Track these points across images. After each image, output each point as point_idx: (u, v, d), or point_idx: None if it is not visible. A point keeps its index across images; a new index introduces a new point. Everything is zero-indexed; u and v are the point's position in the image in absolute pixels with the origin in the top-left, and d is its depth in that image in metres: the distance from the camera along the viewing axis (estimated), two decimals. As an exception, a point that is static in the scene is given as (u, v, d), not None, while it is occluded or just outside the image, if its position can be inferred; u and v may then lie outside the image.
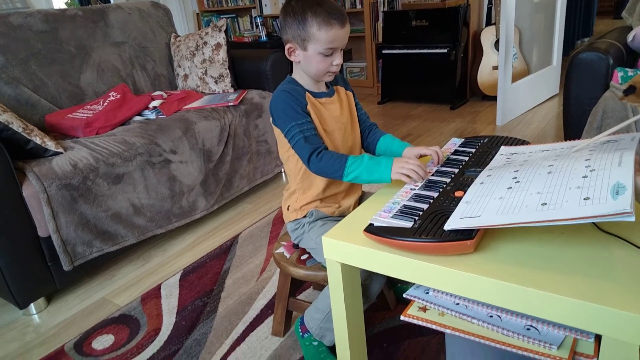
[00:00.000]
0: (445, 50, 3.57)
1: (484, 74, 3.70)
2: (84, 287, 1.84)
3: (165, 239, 2.14)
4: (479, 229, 0.75)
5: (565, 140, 1.00)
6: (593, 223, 0.79)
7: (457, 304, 0.82)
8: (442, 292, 0.84)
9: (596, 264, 0.70)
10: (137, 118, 2.18)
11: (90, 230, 1.74)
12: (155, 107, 2.22)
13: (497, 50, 3.48)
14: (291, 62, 1.18)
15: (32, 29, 2.19)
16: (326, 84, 1.22)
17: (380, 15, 4.01)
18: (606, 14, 7.16)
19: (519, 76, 3.41)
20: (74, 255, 1.70)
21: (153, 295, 1.73)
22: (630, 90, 0.86)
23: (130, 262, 1.98)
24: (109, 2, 4.83)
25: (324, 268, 1.20)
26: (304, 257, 1.27)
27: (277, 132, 1.18)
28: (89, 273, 1.91)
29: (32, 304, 1.69)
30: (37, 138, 1.69)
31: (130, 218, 1.87)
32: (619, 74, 1.82)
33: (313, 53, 1.10)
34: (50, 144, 1.72)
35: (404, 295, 0.87)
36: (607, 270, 0.69)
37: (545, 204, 0.70)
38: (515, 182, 0.81)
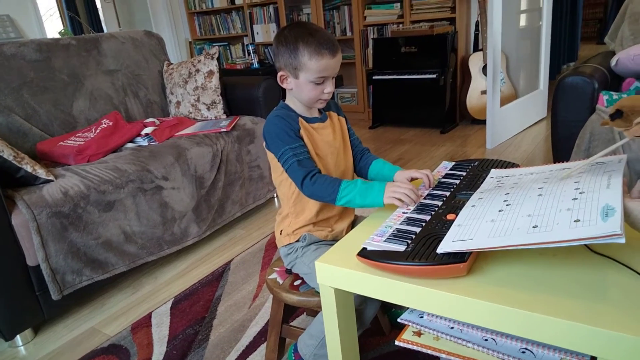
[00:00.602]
0: (434, 76, 3.63)
1: (472, 99, 3.76)
2: (73, 317, 1.80)
3: (157, 266, 2.11)
4: (471, 252, 0.75)
5: (555, 162, 1.02)
6: (585, 245, 0.80)
7: (452, 327, 0.82)
8: (437, 316, 0.83)
9: (589, 286, 0.70)
10: (129, 145, 2.18)
11: (80, 259, 1.72)
12: (147, 134, 2.22)
13: (485, 75, 3.55)
14: (284, 89, 1.20)
15: (25, 58, 2.20)
16: (319, 109, 1.24)
17: (370, 42, 4.09)
18: (590, 39, 7.35)
19: (507, 100, 3.47)
20: (63, 284, 1.68)
21: (143, 324, 1.69)
22: (617, 115, 0.87)
23: (121, 291, 1.95)
24: (103, 31, 4.89)
25: (317, 293, 1.19)
26: (297, 282, 1.26)
27: (270, 156, 1.18)
28: (79, 302, 1.87)
29: (18, 336, 1.65)
30: (28, 166, 1.68)
31: (121, 245, 1.85)
32: (604, 97, 1.87)
33: (304, 81, 1.11)
34: (41, 172, 1.71)
35: (398, 320, 0.86)
36: (600, 291, 0.69)
37: (537, 226, 0.71)
38: (507, 205, 0.82)
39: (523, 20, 3.58)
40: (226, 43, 5.15)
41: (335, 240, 1.21)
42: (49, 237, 1.61)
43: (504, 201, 0.84)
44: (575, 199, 0.75)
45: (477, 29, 3.80)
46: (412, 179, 1.14)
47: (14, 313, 1.59)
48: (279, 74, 1.16)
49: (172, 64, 2.75)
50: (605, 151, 0.83)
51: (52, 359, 1.58)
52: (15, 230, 1.56)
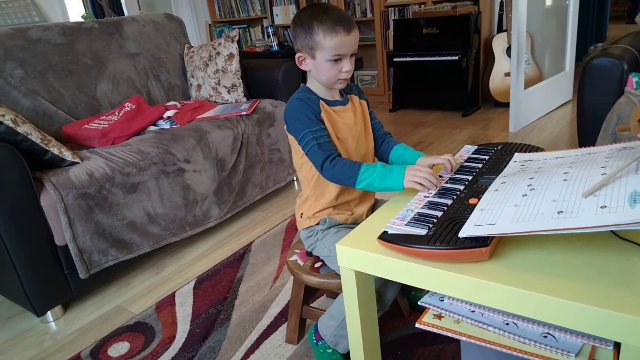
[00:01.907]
0: (456, 58, 3.57)
1: (495, 81, 3.68)
2: (100, 295, 1.86)
3: (179, 247, 2.15)
4: (493, 236, 0.74)
5: (580, 146, 1.00)
6: (610, 230, 0.79)
7: (473, 311, 0.82)
8: (457, 300, 0.83)
9: (614, 271, 0.69)
10: (152, 128, 2.21)
11: (106, 239, 1.76)
12: (169, 117, 2.25)
13: (509, 56, 3.47)
14: (305, 72, 1.20)
15: (50, 42, 2.24)
16: (340, 92, 1.23)
17: (391, 23, 4.02)
18: (619, 19, 7.10)
19: (531, 82, 3.39)
20: (90, 263, 1.73)
21: (167, 303, 1.74)
22: None
23: (145, 270, 2.00)
24: (124, 14, 4.92)
25: (337, 275, 1.21)
26: (317, 264, 1.28)
27: (291, 139, 1.19)
28: (105, 281, 1.93)
29: (49, 312, 1.71)
30: (55, 148, 1.72)
31: (145, 227, 1.89)
32: (633, 79, 1.81)
33: (321, 61, 1.11)
34: (67, 154, 1.75)
35: (419, 303, 0.87)
36: (625, 277, 0.68)
37: (562, 211, 0.70)
38: (530, 190, 0.81)
39: (549, 0, 3.48)
40: (245, 25, 5.13)
41: (355, 223, 1.22)
42: (76, 218, 1.66)
43: (528, 186, 0.83)
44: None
45: (501, 9, 3.71)
46: (434, 166, 1.13)
47: (45, 290, 1.65)
48: (297, 55, 1.16)
49: (192, 47, 2.76)
50: (627, 163, 0.77)
51: (81, 334, 1.64)
52: (44, 211, 1.61)
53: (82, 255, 1.69)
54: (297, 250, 1.37)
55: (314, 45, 1.10)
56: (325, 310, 1.30)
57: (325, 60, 1.11)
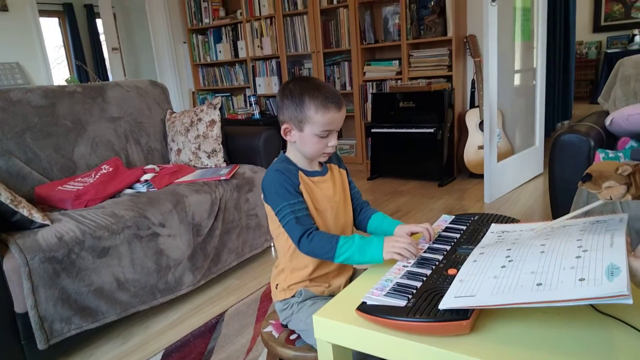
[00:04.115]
0: (432, 130, 3.70)
1: (470, 153, 3.81)
2: (58, 368, 1.73)
3: (148, 316, 2.05)
4: (474, 309, 0.73)
5: (553, 219, 1.02)
6: (589, 304, 0.78)
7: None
8: (438, 377, 0.80)
9: (594, 346, 0.68)
10: (128, 191, 2.18)
11: (70, 306, 1.67)
12: (146, 180, 2.22)
13: (482, 130, 3.62)
14: (285, 140, 1.21)
15: (30, 104, 2.24)
16: (320, 162, 1.24)
17: (369, 96, 4.19)
18: (582, 99, 7.55)
19: (503, 156, 3.51)
20: (51, 332, 1.62)
21: (131, 378, 1.63)
22: (587, 178, 0.90)
23: (110, 340, 1.89)
24: (109, 80, 5.00)
25: (314, 349, 1.15)
26: (293, 336, 1.22)
27: (268, 208, 1.18)
28: (65, 352, 1.80)
29: (-1, 387, 1.58)
30: (24, 210, 1.67)
31: (113, 293, 1.81)
32: (600, 155, 1.89)
33: (309, 134, 1.12)
34: (37, 216, 1.70)
35: (399, 380, 0.83)
36: (605, 352, 0.67)
37: (541, 284, 0.70)
38: (509, 261, 0.81)
39: (517, 80, 3.69)
40: (228, 94, 5.27)
41: (332, 296, 1.19)
42: (40, 283, 1.58)
43: (506, 257, 0.83)
44: (578, 257, 0.74)
45: (473, 87, 3.91)
46: (412, 234, 1.13)
47: (-3, 363, 1.53)
48: (283, 126, 1.16)
49: (174, 112, 2.80)
50: (578, 211, 0.84)
51: (33, 413, 1.50)
52: (6, 275, 1.53)
53: (42, 324, 1.59)
54: (272, 321, 1.31)
55: (304, 119, 1.11)
56: (300, 387, 1.22)
57: (313, 135, 1.12)
